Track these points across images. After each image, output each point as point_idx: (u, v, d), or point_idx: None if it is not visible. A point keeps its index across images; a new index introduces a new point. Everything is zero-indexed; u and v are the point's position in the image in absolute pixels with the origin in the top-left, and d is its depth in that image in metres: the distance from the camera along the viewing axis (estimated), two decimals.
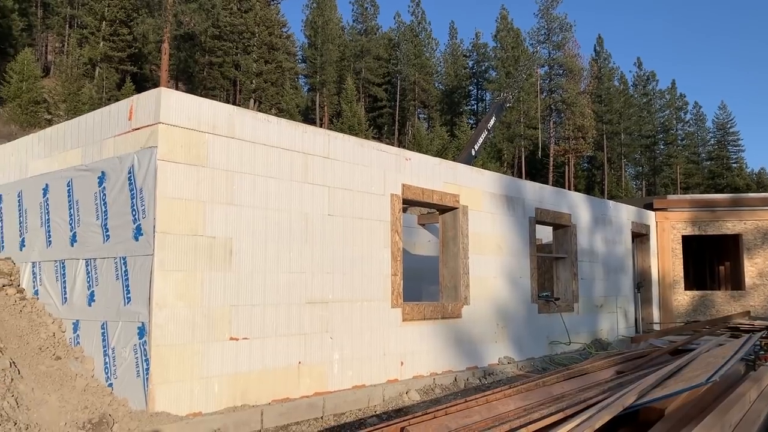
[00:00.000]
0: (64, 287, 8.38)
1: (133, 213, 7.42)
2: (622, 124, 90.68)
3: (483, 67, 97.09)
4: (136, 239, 7.33)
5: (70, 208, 8.43)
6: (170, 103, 7.34)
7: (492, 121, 36.09)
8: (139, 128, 7.50)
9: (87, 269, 8.04)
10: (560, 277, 14.96)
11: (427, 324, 10.69)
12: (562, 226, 14.89)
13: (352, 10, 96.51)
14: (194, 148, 7.57)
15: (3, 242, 9.76)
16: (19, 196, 9.47)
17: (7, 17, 66.48)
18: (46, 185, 8.91)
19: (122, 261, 7.50)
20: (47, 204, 8.86)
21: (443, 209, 11.64)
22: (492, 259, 12.33)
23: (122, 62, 66.01)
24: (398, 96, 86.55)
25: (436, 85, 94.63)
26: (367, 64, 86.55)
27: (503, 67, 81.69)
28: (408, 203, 10.74)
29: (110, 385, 7.40)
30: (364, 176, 9.80)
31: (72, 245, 8.32)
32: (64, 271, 8.42)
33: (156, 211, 7.12)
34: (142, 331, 7.11)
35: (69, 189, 8.47)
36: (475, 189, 12.12)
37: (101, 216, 7.90)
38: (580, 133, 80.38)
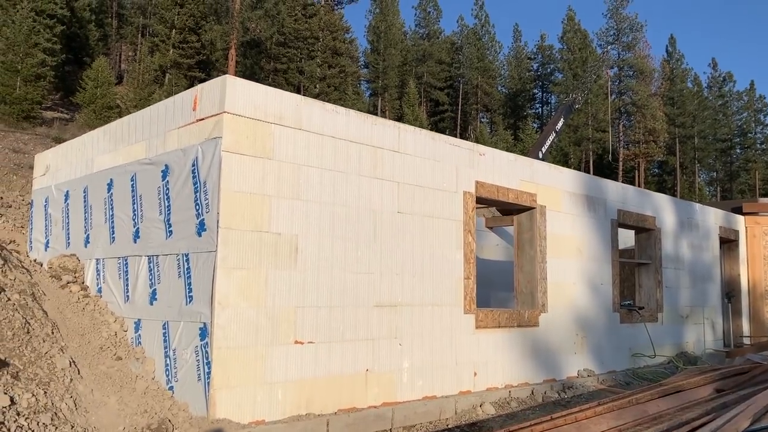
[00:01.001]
0: (127, 285, 8.13)
1: (197, 207, 7.05)
2: (696, 128, 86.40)
3: (548, 70, 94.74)
4: (199, 235, 6.96)
5: (133, 204, 8.18)
6: (236, 92, 6.94)
7: (560, 123, 34.79)
8: (203, 119, 7.14)
9: (149, 266, 7.74)
10: (643, 285, 13.87)
11: (501, 332, 9.94)
12: (646, 230, 13.80)
13: (415, 15, 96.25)
14: (260, 140, 7.14)
15: (69, 239, 9.65)
16: (84, 192, 9.33)
17: (85, 28, 69.52)
18: (111, 180, 8.71)
19: (184, 258, 7.15)
20: (111, 199, 8.66)
21: (519, 209, 10.87)
22: (571, 263, 11.46)
23: (191, 69, 67.80)
24: (460, 100, 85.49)
25: (499, 88, 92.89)
26: (429, 68, 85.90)
27: (570, 69, 79.40)
28: (481, 202, 10.05)
29: (171, 388, 7.04)
30: (436, 172, 9.18)
31: (135, 242, 8.05)
32: (126, 268, 8.17)
33: (220, 205, 6.72)
34: (203, 332, 6.71)
35: (133, 183, 8.23)
36: (553, 188, 11.28)
37: (164, 211, 7.58)
38: (651, 136, 77.01)
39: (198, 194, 7.05)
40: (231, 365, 6.66)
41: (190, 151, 7.25)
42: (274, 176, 7.24)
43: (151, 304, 7.62)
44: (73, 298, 8.26)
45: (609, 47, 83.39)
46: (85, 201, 9.30)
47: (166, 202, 7.57)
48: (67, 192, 9.82)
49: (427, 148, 9.10)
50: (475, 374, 9.41)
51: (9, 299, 6.83)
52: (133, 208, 8.16)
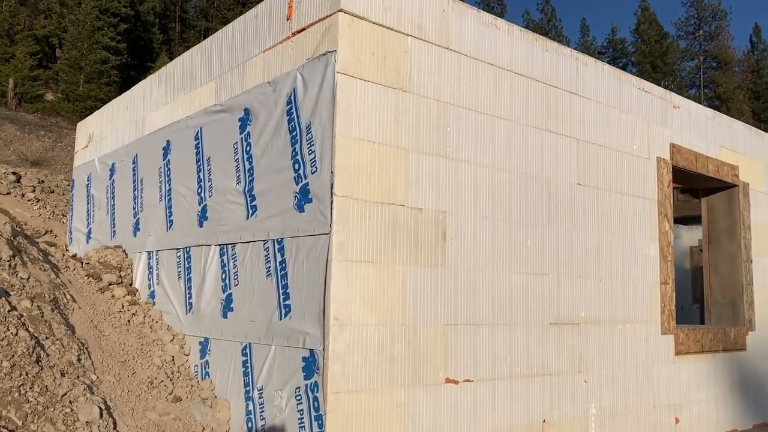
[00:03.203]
0: (189, 288, 5.66)
1: (296, 167, 4.49)
2: None
3: (621, 64, 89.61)
4: (300, 209, 4.39)
5: (198, 171, 5.71)
6: None
7: None
8: (303, 28, 4.58)
9: (221, 260, 5.24)
10: None
11: (704, 359, 7.00)
12: None
13: (478, 9, 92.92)
14: (391, 59, 4.53)
15: (114, 225, 7.30)
16: (134, 163, 6.96)
17: (149, 31, 69.67)
18: (168, 142, 6.28)
19: (276, 246, 4.59)
20: (168, 168, 6.23)
21: (713, 187, 7.89)
22: None
23: None
24: None
25: None
26: None
27: (647, 61, 74.52)
28: (676, 173, 7.12)
29: None
30: (622, 127, 6.36)
31: (200, 225, 5.58)
32: (189, 263, 5.70)
33: (334, 159, 4.14)
34: (310, 365, 4.12)
35: (197, 143, 5.76)
36: (756, 159, 8.24)
37: (244, 177, 5.06)
38: None
39: (298, 146, 4.49)
40: (355, 420, 4.04)
41: (282, 82, 4.71)
42: (413, 118, 4.62)
43: (225, 316, 5.11)
44: (115, 306, 5.85)
45: (690, 38, 77.79)
46: (134, 174, 6.92)
47: (246, 163, 5.05)
48: (113, 165, 7.48)
49: (612, 91, 6.28)
50: (677, 421, 6.51)
51: (13, 308, 4.43)
52: (199, 177, 5.69)
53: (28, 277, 4.99)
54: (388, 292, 4.33)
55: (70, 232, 8.43)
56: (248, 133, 5.08)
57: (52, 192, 10.06)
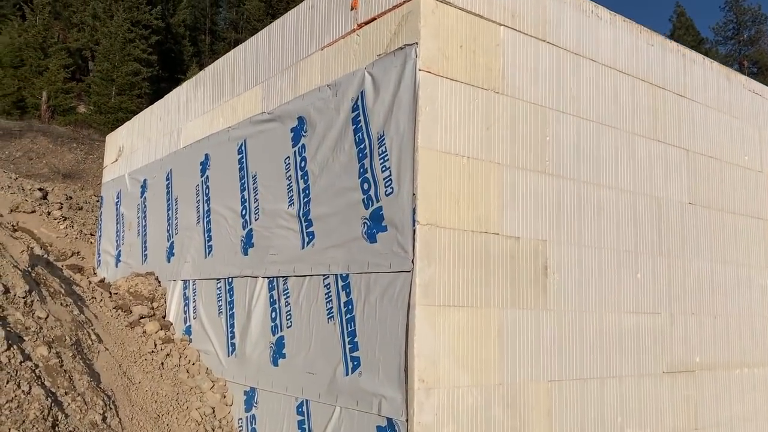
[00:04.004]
0: (231, 326, 4.86)
1: (364, 187, 3.67)
2: None
3: None
4: (371, 238, 3.55)
5: (242, 190, 4.92)
6: None
7: None
8: (374, 18, 3.76)
9: (270, 296, 4.43)
10: None
11: None
12: None
13: None
14: (482, 53, 3.69)
15: (146, 248, 6.56)
16: (167, 179, 6.22)
17: (180, 44, 70.17)
18: (206, 157, 5.53)
19: (340, 283, 3.76)
20: (206, 186, 5.47)
21: None
22: None
23: None
24: None
25: None
26: None
27: None
28: None
29: None
30: (733, 135, 5.42)
31: (245, 252, 4.78)
32: (231, 296, 4.91)
33: (417, 179, 3.30)
34: None
35: (241, 157, 4.98)
36: None
37: (298, 198, 4.25)
38: None
39: (367, 161, 3.66)
40: None
41: (346, 84, 3.90)
42: (506, 127, 3.76)
43: (275, 363, 4.29)
44: (147, 345, 5.09)
45: (728, 42, 75.54)
46: (168, 192, 6.18)
47: (301, 182, 4.24)
48: (145, 181, 6.76)
49: (722, 93, 5.35)
50: None
51: (27, 358, 3.68)
52: (243, 197, 4.91)
53: (47, 317, 4.25)
54: (483, 343, 3.47)
55: (98, 254, 7.73)
56: (303, 145, 4.28)
57: (80, 209, 9.44)
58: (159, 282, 6.03)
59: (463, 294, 3.42)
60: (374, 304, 3.49)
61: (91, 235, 8.22)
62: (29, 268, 4.63)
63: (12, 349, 3.62)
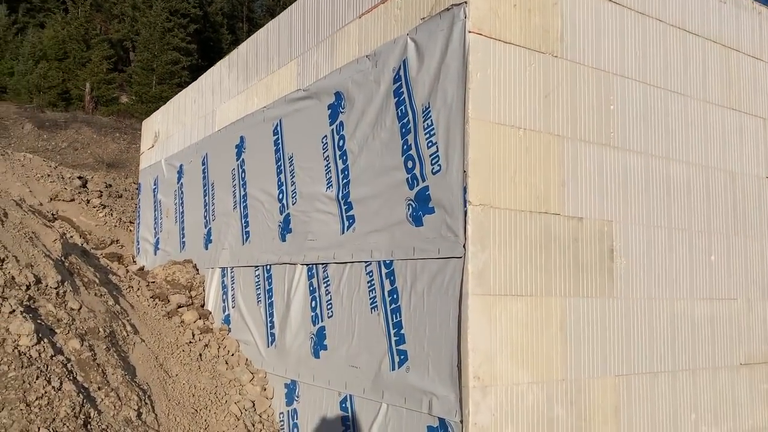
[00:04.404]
0: (270, 315, 4.63)
1: (408, 166, 3.35)
2: None
3: None
4: (417, 221, 3.24)
5: (278, 173, 4.67)
6: None
7: None
8: None
9: (310, 284, 4.17)
10: None
11: None
12: None
13: None
14: (538, 12, 3.31)
15: (183, 236, 6.39)
16: (203, 164, 6.02)
17: (217, 32, 70.69)
18: (241, 139, 5.29)
19: (383, 270, 3.47)
20: (242, 170, 5.23)
21: None
22: None
23: None
24: None
25: None
26: None
27: None
28: None
29: None
30: None
31: (283, 238, 4.53)
32: (269, 284, 4.67)
33: (468, 155, 2.97)
34: None
35: (277, 138, 4.72)
36: None
37: (337, 180, 3.97)
38: None
39: (411, 137, 3.34)
40: None
41: (387, 53, 3.57)
42: (566, 94, 3.38)
43: (317, 355, 4.04)
44: (185, 335, 4.91)
45: None
46: (204, 177, 5.98)
47: (339, 162, 3.95)
48: (181, 167, 6.59)
49: None
50: None
51: (58, 351, 3.51)
52: (279, 180, 4.65)
53: (80, 308, 4.09)
54: (544, 335, 3.13)
55: (137, 242, 7.64)
56: (341, 123, 3.98)
57: (120, 196, 9.39)
58: (197, 270, 5.86)
59: (522, 282, 3.09)
60: (422, 293, 3.19)
61: (131, 223, 8.14)
62: (62, 258, 4.48)
63: (42, 342, 3.46)
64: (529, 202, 3.16)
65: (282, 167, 4.62)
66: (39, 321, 3.66)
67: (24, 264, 3.96)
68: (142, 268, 7.00)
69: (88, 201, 8.10)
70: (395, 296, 3.38)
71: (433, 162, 3.17)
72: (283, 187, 4.58)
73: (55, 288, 4.05)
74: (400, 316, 3.33)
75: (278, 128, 4.70)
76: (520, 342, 3.05)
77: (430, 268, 3.15)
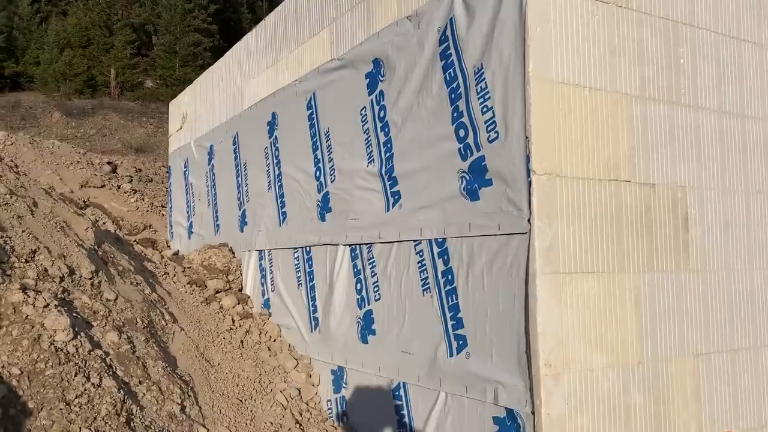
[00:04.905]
0: (313, 298, 4.42)
1: (460, 134, 3.06)
2: None
3: None
4: (472, 195, 2.96)
5: (314, 149, 4.41)
6: None
7: None
8: None
9: (354, 265, 3.94)
10: None
11: None
12: None
13: None
14: None
15: (217, 218, 6.21)
16: (234, 143, 5.80)
17: (237, 11, 70.35)
18: (273, 116, 5.03)
19: (435, 249, 3.21)
20: (275, 148, 4.99)
21: None
22: None
23: None
24: None
25: None
26: None
27: None
28: None
29: None
30: None
31: (322, 218, 4.29)
32: (310, 266, 4.46)
33: (530, 119, 2.67)
34: (509, 430, 2.74)
35: (311, 113, 4.45)
36: None
37: (378, 154, 3.70)
38: None
39: (462, 102, 3.05)
40: None
41: (430, 12, 3.26)
42: (634, 48, 3.04)
43: (364, 340, 3.82)
44: (225, 322, 4.73)
45: None
46: (236, 157, 5.76)
47: (381, 134, 3.68)
48: (211, 148, 6.38)
49: None
50: None
51: (96, 346, 3.34)
52: (315, 157, 4.39)
53: (116, 298, 3.93)
54: (618, 315, 2.85)
55: (170, 226, 7.50)
56: (381, 92, 3.69)
57: (151, 181, 9.27)
58: (233, 253, 5.67)
59: (593, 257, 2.80)
60: (480, 273, 2.92)
61: (163, 207, 8.01)
62: (95, 246, 4.32)
63: (79, 337, 3.29)
64: (598, 169, 2.86)
65: (318, 143, 4.36)
66: (74, 314, 3.49)
67: (56, 255, 3.80)
68: (176, 253, 6.86)
69: (118, 186, 7.98)
70: (450, 277, 3.12)
71: (489, 129, 2.88)
72: (320, 165, 4.33)
73: (90, 279, 3.88)
74: (457, 299, 3.07)
75: (312, 102, 4.44)
76: (593, 323, 2.77)
77: (489, 246, 2.88)
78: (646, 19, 3.11)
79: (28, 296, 3.30)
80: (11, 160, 7.40)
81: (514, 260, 2.74)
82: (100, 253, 4.32)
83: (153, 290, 4.54)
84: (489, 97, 2.89)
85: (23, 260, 3.60)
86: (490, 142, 2.88)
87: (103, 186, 7.72)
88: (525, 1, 2.71)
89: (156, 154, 22.83)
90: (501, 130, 2.82)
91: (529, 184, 2.67)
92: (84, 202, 7.19)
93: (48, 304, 3.35)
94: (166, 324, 4.23)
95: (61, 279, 3.70)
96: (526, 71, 2.71)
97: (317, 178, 4.36)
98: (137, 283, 4.40)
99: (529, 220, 2.67)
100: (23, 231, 3.77)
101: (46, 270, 3.66)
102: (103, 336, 3.54)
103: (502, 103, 2.82)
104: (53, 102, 29.45)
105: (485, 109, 2.91)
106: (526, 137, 2.69)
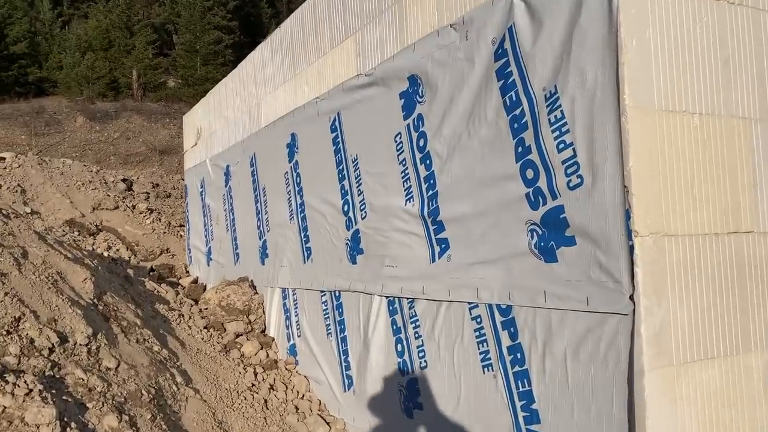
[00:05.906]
0: (345, 353, 3.80)
1: (527, 175, 2.39)
2: None
3: None
4: (547, 255, 2.30)
5: (341, 178, 3.78)
6: None
7: None
8: None
9: (393, 321, 3.31)
10: None
11: None
12: None
13: None
14: None
15: (236, 246, 5.62)
16: (252, 165, 5.19)
17: (257, 6, 70.02)
18: (292, 137, 4.41)
19: (498, 318, 2.55)
20: (296, 173, 4.37)
21: None
22: None
23: None
24: None
25: None
26: None
27: None
28: None
29: None
30: None
31: (352, 260, 3.67)
32: (341, 315, 3.84)
33: (629, 161, 1.98)
34: None
35: (336, 136, 3.82)
36: None
37: (419, 190, 3.05)
38: None
39: (530, 132, 2.38)
40: None
41: (481, 19, 2.59)
42: (749, 56, 2.33)
43: (408, 414, 3.19)
44: (246, 377, 4.15)
45: None
46: (254, 180, 5.16)
47: (421, 166, 3.03)
48: (227, 168, 5.80)
49: None
50: None
51: None
52: (342, 187, 3.76)
53: (117, 366, 3.38)
54: (745, 407, 2.17)
55: (188, 250, 6.96)
56: (419, 116, 3.04)
57: (169, 196, 8.77)
58: (254, 288, 5.09)
59: (712, 338, 2.12)
60: (563, 358, 2.27)
61: (181, 227, 7.50)
62: (94, 300, 3.76)
63: (69, 429, 2.72)
64: (714, 219, 2.18)
65: (345, 172, 3.73)
66: (64, 396, 2.93)
67: (46, 320, 3.24)
68: (195, 280, 6.34)
69: (133, 207, 7.48)
70: (519, 356, 2.47)
71: (569, 172, 2.21)
72: (348, 197, 3.70)
73: (86, 345, 3.33)
74: (530, 385, 2.42)
75: (337, 123, 3.80)
76: (716, 422, 2.10)
77: (573, 324, 2.22)
78: (764, 16, 2.40)
79: (7, 382, 2.75)
80: (18, 185, 6.94)
81: (611, 347, 2.08)
82: (100, 307, 3.76)
83: (163, 345, 3.98)
84: (567, 131, 2.22)
85: (4, 332, 3.05)
86: (571, 188, 2.21)
87: (117, 207, 7.21)
88: (616, 3, 2.03)
89: (179, 155, 22.47)
90: (586, 173, 2.15)
91: (631, 248, 2.00)
92: (96, 226, 6.70)
93: (31, 390, 2.80)
94: (178, 388, 3.66)
95: (51, 350, 3.15)
96: (621, 98, 2.03)
97: (345, 213, 3.74)
98: (144, 340, 3.83)
99: (631, 297, 2.01)
100: (6, 294, 3.23)
101: (32, 341, 3.11)
102: (99, 420, 2.98)
103: (587, 138, 2.15)
104: (77, 106, 29.35)
105: (562, 145, 2.24)
106: (624, 186, 2.02)
